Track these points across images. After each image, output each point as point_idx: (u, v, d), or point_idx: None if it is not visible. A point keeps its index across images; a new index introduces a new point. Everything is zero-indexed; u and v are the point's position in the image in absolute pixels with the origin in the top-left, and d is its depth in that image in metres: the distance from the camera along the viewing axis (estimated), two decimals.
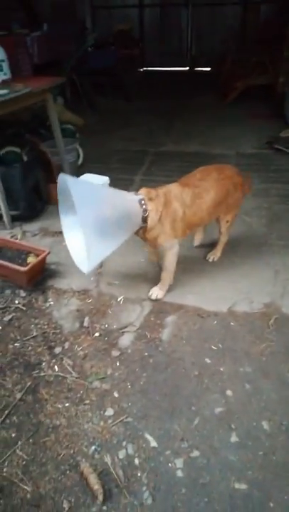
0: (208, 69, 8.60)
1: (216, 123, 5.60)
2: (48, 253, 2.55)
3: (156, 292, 2.37)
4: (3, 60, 3.09)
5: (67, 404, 1.78)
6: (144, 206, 2.08)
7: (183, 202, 2.19)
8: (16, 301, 2.37)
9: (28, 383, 1.86)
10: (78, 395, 1.82)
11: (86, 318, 2.25)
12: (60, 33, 6.22)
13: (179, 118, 5.95)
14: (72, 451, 1.59)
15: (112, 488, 1.48)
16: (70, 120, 4.72)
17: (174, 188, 2.23)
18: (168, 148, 4.81)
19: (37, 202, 3.30)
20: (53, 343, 2.09)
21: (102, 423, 1.70)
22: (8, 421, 1.70)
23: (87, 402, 1.79)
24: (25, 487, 1.47)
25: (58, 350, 2.06)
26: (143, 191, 2.15)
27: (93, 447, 1.61)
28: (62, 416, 1.73)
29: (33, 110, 4.39)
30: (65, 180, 1.87)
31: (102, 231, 1.92)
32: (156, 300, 2.36)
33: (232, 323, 2.22)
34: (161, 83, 8.46)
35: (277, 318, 2.24)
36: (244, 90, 6.34)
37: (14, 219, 3.15)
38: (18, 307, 2.33)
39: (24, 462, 1.55)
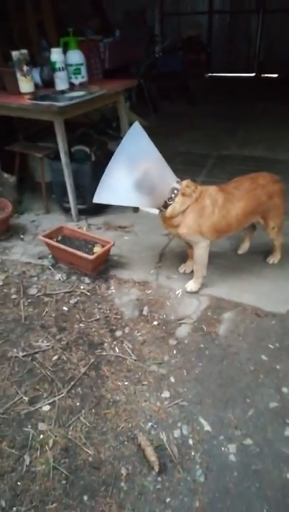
0: (276, 75, 8.47)
1: (282, 129, 5.53)
2: (113, 244, 2.69)
3: (191, 285, 2.45)
4: (82, 64, 3.30)
5: (126, 383, 1.89)
6: (172, 195, 2.17)
7: (215, 202, 2.26)
8: (82, 287, 2.54)
9: (92, 360, 2.00)
10: (137, 376, 1.93)
11: (145, 308, 2.36)
12: (131, 40, 6.47)
13: (244, 123, 5.94)
14: (130, 425, 1.70)
15: (166, 463, 1.56)
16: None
17: (211, 188, 2.31)
18: (231, 152, 4.83)
19: None
20: (114, 327, 2.22)
21: (158, 403, 1.80)
22: (73, 391, 1.84)
23: (145, 383, 1.89)
24: (88, 450, 1.60)
25: (118, 333, 2.18)
26: (185, 183, 2.23)
27: (150, 424, 1.71)
28: (122, 393, 1.84)
29: (102, 112, 4.63)
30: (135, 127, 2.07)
31: (123, 180, 2.06)
32: (192, 292, 2.44)
33: None
34: (227, 89, 8.46)
35: None
36: None
37: (81, 213, 3.34)
38: (83, 292, 2.49)
39: (87, 429, 1.68)
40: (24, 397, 1.81)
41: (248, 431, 1.68)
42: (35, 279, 2.62)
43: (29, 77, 3.07)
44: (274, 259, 2.72)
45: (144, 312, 2.33)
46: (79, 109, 3.03)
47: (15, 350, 2.08)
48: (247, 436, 1.66)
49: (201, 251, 2.36)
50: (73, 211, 3.26)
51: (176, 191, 2.18)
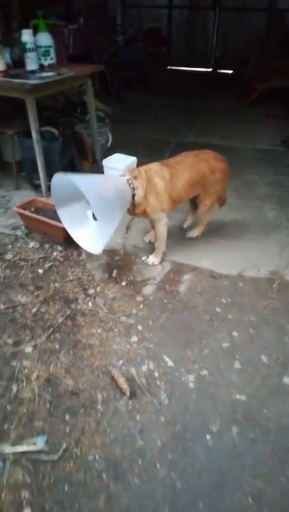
0: (231, 71, 8.93)
1: (235, 121, 5.94)
2: None
3: (153, 259, 2.69)
4: (51, 46, 3.46)
5: (99, 331, 2.14)
6: (131, 185, 2.36)
7: (163, 177, 2.45)
8: (55, 254, 2.74)
9: (68, 312, 2.23)
10: (108, 325, 2.18)
11: (114, 271, 2.61)
12: (94, 28, 6.62)
13: (201, 114, 6.30)
14: (104, 363, 1.95)
15: (136, 391, 1.83)
16: (100, 108, 5.10)
17: (153, 166, 2.49)
18: (190, 140, 5.16)
19: None
20: (86, 286, 2.46)
21: (128, 346, 2.06)
22: (52, 337, 2.07)
23: (116, 330, 2.15)
24: (68, 382, 1.83)
25: (91, 291, 2.42)
26: (127, 173, 2.42)
27: (121, 361, 1.97)
28: (96, 338, 2.09)
29: (67, 96, 4.78)
30: (61, 177, 2.17)
31: (106, 212, 2.21)
32: (153, 265, 2.68)
33: (240, 284, 2.56)
34: (186, 82, 8.81)
35: (280, 283, 2.57)
36: (263, 93, 6.67)
37: (50, 188, 3.50)
38: (56, 258, 2.69)
39: (66, 366, 1.91)
40: (8, 341, 2.01)
41: (204, 364, 1.99)
42: (10, 246, 2.79)
43: (1, 56, 3.19)
44: (194, 233, 2.95)
45: (114, 275, 2.58)
46: (49, 88, 3.20)
47: None
48: (203, 368, 1.97)
49: (162, 228, 2.59)
50: (43, 187, 3.42)
51: (130, 181, 2.36)
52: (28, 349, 1.98)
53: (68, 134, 3.64)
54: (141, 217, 2.64)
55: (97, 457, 1.57)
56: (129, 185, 2.37)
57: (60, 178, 2.21)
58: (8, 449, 1.52)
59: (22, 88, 2.96)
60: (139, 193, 2.39)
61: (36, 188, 3.53)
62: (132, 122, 5.69)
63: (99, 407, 1.75)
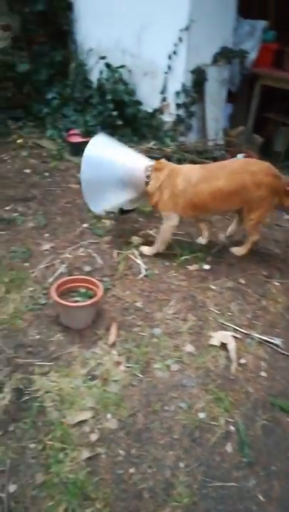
0: None
1: None
2: None
3: (146, 249, 2.69)
4: None
5: None
6: (147, 173, 2.43)
7: (188, 180, 2.37)
8: None
9: None
10: None
11: None
12: None
13: None
14: None
15: None
16: None
17: (186, 167, 2.51)
18: None
19: None
20: None
21: None
22: None
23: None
24: None
25: None
26: (157, 161, 2.48)
27: None
28: None
29: None
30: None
31: (105, 186, 2.48)
32: (145, 254, 2.70)
33: None
34: None
35: None
36: None
37: None
38: None
39: None
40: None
41: None
42: None
43: None
44: (239, 251, 2.73)
45: None
46: None
47: None
48: None
49: (168, 228, 2.54)
50: None
51: (150, 168, 2.44)
52: (276, 283, 2.56)
53: None
54: (154, 209, 2.64)
55: None
56: (145, 172, 2.44)
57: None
58: (256, 335, 2.15)
59: None
60: (152, 184, 2.43)
61: None
62: None
63: None
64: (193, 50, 3.93)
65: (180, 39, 3.88)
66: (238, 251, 2.72)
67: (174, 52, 3.97)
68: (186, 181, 2.37)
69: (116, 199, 2.60)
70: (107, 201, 2.62)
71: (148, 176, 2.43)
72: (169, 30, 3.89)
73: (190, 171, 2.42)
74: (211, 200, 2.38)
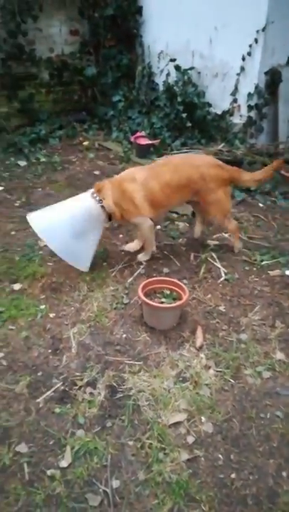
0: None
1: None
2: None
3: (141, 257, 2.72)
4: None
5: None
6: (97, 198, 2.40)
7: (133, 180, 2.42)
8: None
9: None
10: None
11: None
12: None
13: None
14: None
15: None
16: None
17: (126, 171, 2.54)
18: None
19: None
20: None
21: None
22: None
23: None
24: None
25: None
26: (95, 185, 2.47)
27: None
28: None
29: None
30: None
31: (77, 238, 2.37)
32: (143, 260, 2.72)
33: None
34: None
35: None
36: None
37: None
38: None
39: None
40: None
41: None
42: None
43: None
44: (235, 249, 2.82)
45: None
46: None
47: None
48: None
49: (148, 230, 2.57)
50: None
51: (95, 194, 2.43)
52: None
53: None
54: (125, 223, 2.69)
55: None
56: (94, 198, 2.42)
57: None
58: None
59: None
60: (107, 203, 2.42)
61: None
62: None
63: None
64: (268, 50, 3.85)
65: (256, 40, 3.81)
66: (235, 249, 2.83)
67: (248, 54, 3.92)
68: (134, 182, 2.43)
69: (94, 241, 2.53)
70: (90, 249, 2.53)
71: (100, 200, 2.41)
72: (245, 31, 3.85)
73: (133, 173, 2.49)
74: (163, 195, 2.47)
